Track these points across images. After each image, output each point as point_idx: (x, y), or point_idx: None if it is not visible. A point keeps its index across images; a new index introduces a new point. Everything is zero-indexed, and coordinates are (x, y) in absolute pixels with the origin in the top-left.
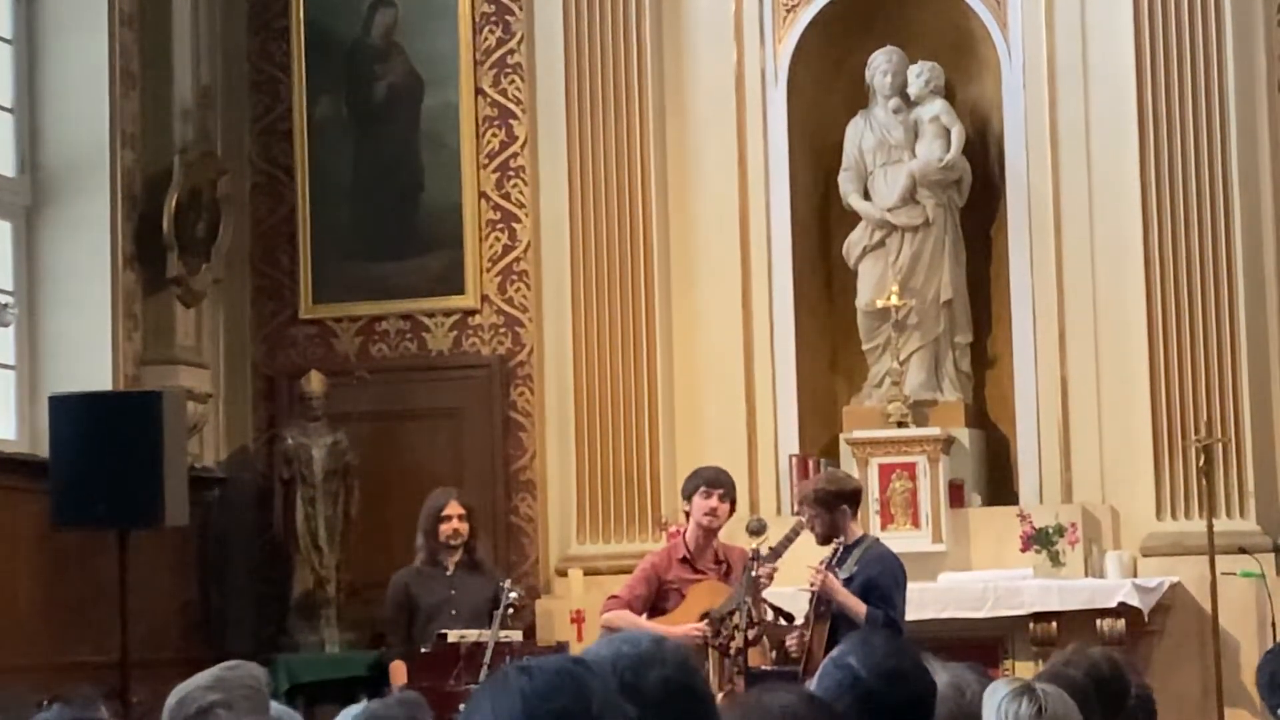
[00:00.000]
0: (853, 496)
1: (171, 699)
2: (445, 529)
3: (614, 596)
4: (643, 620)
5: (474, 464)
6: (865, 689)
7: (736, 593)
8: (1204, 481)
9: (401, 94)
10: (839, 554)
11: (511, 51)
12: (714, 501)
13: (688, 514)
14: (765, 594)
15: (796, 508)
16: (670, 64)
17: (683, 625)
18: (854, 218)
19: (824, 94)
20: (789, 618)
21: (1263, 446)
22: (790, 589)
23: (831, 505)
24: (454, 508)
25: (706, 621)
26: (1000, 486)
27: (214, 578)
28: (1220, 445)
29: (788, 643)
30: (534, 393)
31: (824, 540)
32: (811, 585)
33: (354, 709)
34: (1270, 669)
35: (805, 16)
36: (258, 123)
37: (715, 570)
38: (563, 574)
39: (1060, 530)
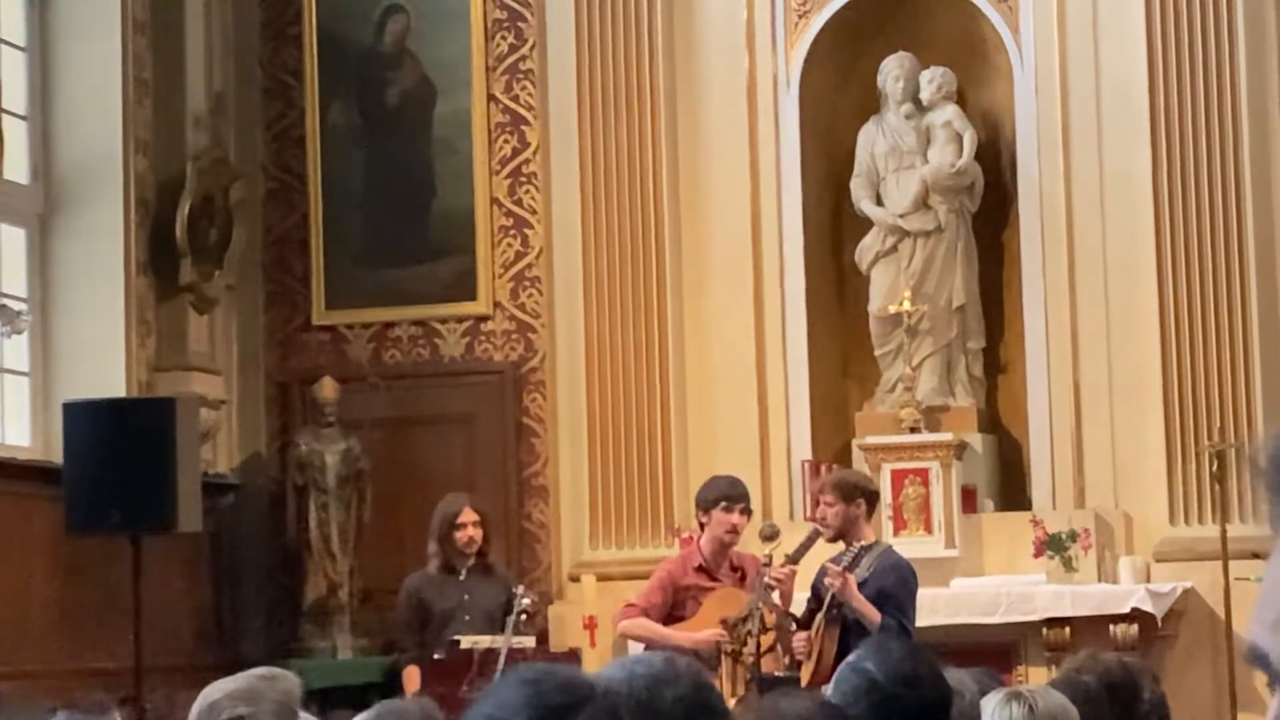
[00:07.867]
0: (870, 495)
1: (201, 700)
2: (461, 536)
3: (630, 604)
4: (660, 627)
5: (486, 470)
6: (882, 693)
7: (752, 599)
8: (1217, 487)
9: (414, 100)
10: (856, 557)
11: (524, 58)
12: (735, 517)
13: (702, 524)
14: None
15: (813, 497)
16: (682, 70)
17: (705, 630)
18: (866, 223)
19: (836, 99)
20: (804, 624)
21: None
22: (803, 595)
23: (849, 495)
24: (469, 514)
25: (726, 627)
26: (1013, 492)
27: (227, 584)
28: (1233, 450)
29: (794, 644)
30: (546, 398)
31: (835, 536)
32: (830, 586)
33: (366, 714)
34: None
35: (817, 22)
36: (270, 129)
37: (731, 577)
38: (575, 580)
39: (1073, 535)
